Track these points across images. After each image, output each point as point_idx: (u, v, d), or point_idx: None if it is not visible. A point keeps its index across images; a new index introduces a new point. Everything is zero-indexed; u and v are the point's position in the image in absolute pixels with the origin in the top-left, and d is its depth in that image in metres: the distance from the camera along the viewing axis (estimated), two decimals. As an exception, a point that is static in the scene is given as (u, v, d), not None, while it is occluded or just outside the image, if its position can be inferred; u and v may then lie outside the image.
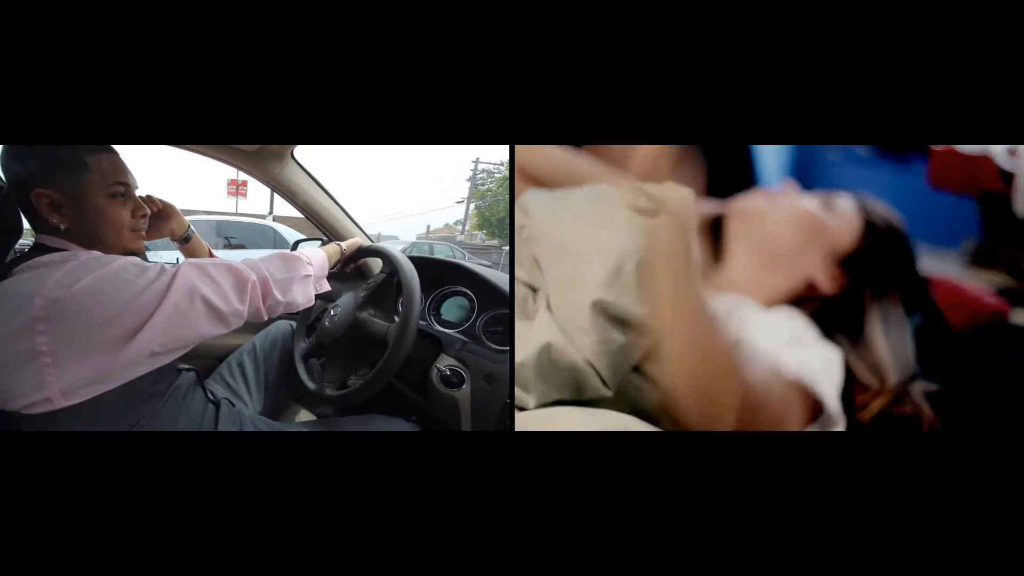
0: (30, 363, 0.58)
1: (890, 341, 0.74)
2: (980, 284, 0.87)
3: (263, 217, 6.45)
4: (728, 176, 1.07)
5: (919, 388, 0.71)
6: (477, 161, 17.32)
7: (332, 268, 0.97)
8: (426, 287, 1.04)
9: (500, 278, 1.14)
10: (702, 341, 0.57)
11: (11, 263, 0.66)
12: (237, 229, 4.74)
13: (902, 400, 0.70)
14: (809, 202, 0.80)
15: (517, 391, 0.58)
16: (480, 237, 15.14)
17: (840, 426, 0.68)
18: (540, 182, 0.76)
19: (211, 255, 1.00)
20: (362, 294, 0.99)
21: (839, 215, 0.79)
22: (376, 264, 1.14)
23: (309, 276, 0.86)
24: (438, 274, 1.20)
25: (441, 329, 1.12)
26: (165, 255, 1.31)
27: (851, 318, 0.76)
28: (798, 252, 0.78)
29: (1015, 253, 0.92)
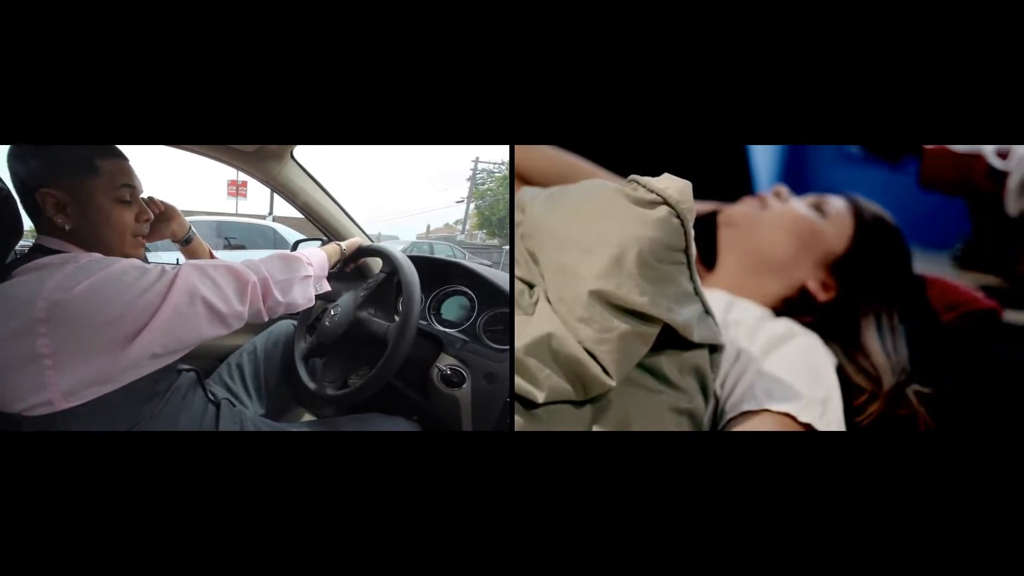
0: (31, 365, 0.58)
1: (885, 344, 0.73)
2: (971, 285, 0.86)
3: (263, 218, 6.45)
4: (723, 176, 1.07)
5: (914, 390, 0.71)
6: (477, 161, 17.32)
7: (332, 268, 0.97)
8: (426, 286, 1.04)
9: (500, 277, 1.14)
10: None
11: (11, 264, 0.66)
12: (237, 230, 4.74)
13: (898, 402, 0.70)
14: (801, 206, 0.80)
15: (525, 385, 0.58)
16: (480, 237, 15.14)
17: (836, 424, 0.67)
18: (536, 184, 0.76)
19: (212, 256, 1.00)
20: (362, 294, 0.99)
21: (832, 219, 0.79)
22: (376, 264, 1.14)
23: (309, 277, 0.85)
24: (438, 273, 1.20)
25: (441, 328, 1.12)
26: (165, 256, 1.31)
27: (845, 322, 0.76)
28: (791, 258, 0.77)
29: (1005, 254, 0.92)
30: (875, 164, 0.98)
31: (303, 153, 1.21)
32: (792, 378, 0.67)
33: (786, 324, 0.75)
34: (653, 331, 0.58)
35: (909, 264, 0.81)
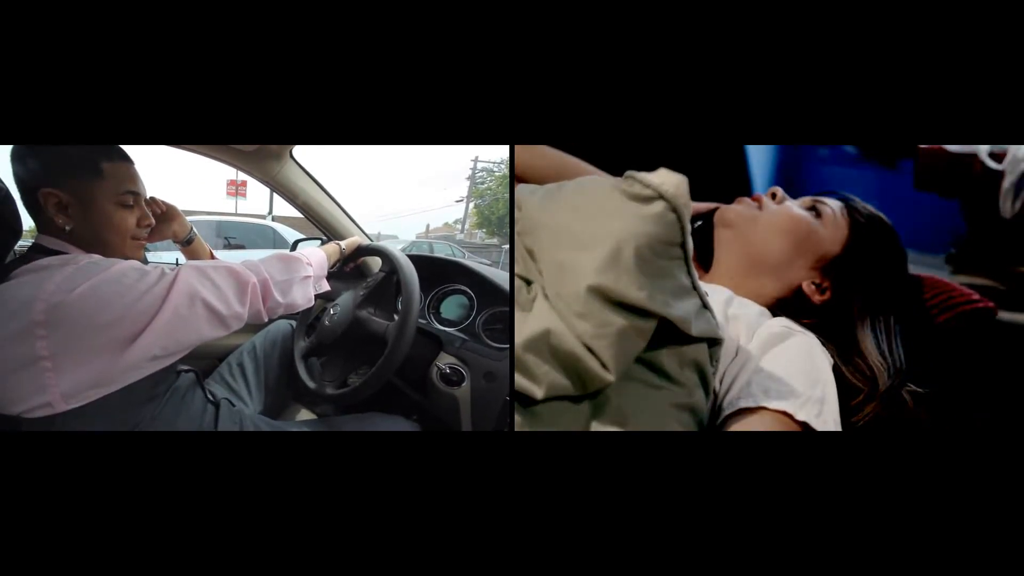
0: (30, 367, 0.58)
1: (880, 345, 0.73)
2: (966, 287, 0.86)
3: (263, 217, 6.45)
4: (722, 176, 1.07)
5: (910, 390, 0.71)
6: (476, 160, 17.31)
7: (331, 268, 0.97)
8: (425, 285, 1.05)
9: (499, 276, 1.14)
10: None
11: (10, 265, 0.66)
12: (237, 229, 4.73)
13: (894, 403, 0.70)
14: (797, 208, 0.80)
15: (523, 381, 0.58)
16: (480, 236, 15.13)
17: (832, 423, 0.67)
18: (534, 182, 0.76)
19: (212, 256, 1.00)
20: (361, 293, 0.99)
21: (827, 220, 0.79)
22: (375, 263, 1.14)
23: (309, 277, 0.86)
24: (437, 272, 1.20)
25: (441, 327, 1.12)
26: (165, 256, 1.31)
27: (841, 323, 0.76)
28: (787, 260, 0.78)
29: (1000, 255, 0.92)
30: (870, 166, 0.98)
31: (303, 153, 1.21)
32: (790, 376, 0.68)
33: (784, 323, 0.75)
34: (651, 326, 0.59)
35: (904, 265, 0.81)
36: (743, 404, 0.66)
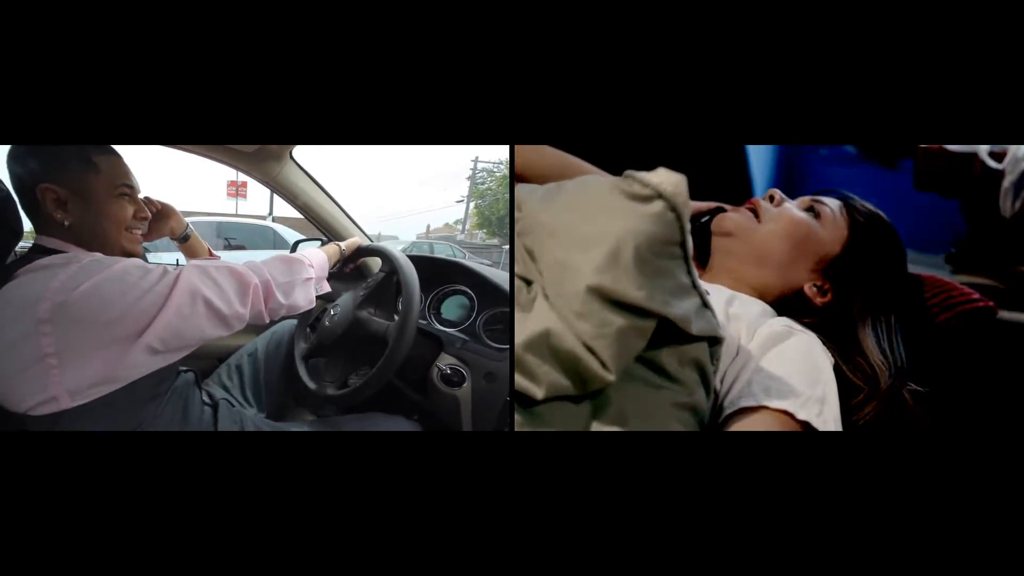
0: (36, 365, 0.59)
1: (881, 344, 0.73)
2: (966, 286, 0.86)
3: (263, 218, 6.45)
4: (722, 176, 1.07)
5: (910, 389, 0.71)
6: (476, 160, 17.31)
7: (332, 268, 0.98)
8: (426, 286, 1.05)
9: (500, 277, 1.14)
10: None
11: (11, 266, 0.66)
12: (237, 230, 4.74)
13: (894, 402, 0.70)
14: (796, 210, 0.80)
15: (524, 381, 0.58)
16: (480, 236, 15.14)
17: (832, 423, 0.67)
18: (534, 182, 0.76)
19: (211, 253, 1.01)
20: (362, 293, 0.99)
21: (826, 220, 0.79)
22: (375, 263, 1.14)
23: (311, 279, 0.86)
24: (438, 273, 1.20)
25: (441, 328, 1.12)
26: (165, 256, 1.32)
27: (842, 322, 0.76)
28: (788, 262, 0.78)
29: (1001, 255, 0.92)
30: (870, 166, 0.98)
31: (302, 153, 1.21)
32: (790, 376, 0.67)
33: (785, 322, 0.75)
34: (651, 325, 0.59)
35: (904, 263, 0.81)
36: (744, 403, 0.66)
